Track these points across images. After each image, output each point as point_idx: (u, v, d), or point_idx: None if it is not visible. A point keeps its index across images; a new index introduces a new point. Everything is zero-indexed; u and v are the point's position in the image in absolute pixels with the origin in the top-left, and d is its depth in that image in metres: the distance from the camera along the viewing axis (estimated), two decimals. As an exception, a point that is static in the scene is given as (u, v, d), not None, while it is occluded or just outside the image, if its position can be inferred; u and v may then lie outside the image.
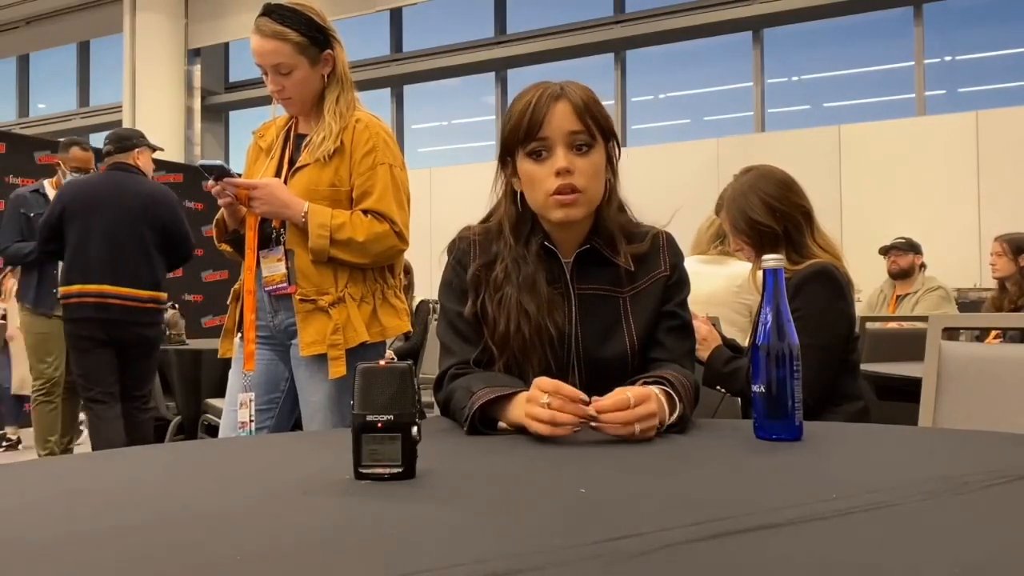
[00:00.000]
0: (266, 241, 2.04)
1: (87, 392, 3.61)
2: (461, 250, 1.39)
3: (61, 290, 3.60)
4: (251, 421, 2.01)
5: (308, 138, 2.05)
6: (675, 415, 1.17)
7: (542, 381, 1.14)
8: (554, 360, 1.31)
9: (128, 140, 3.76)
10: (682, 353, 1.36)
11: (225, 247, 2.14)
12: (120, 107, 10.47)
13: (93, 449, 3.56)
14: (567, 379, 1.32)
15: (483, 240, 1.38)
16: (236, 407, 2.05)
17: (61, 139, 4.57)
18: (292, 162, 2.06)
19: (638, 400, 1.10)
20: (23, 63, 12.71)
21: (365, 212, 2.01)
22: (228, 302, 2.14)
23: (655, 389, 1.17)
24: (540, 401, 1.12)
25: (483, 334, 1.34)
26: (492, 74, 9.65)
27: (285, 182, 2.03)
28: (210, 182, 1.98)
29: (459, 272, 1.38)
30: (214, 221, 2.11)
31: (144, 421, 3.79)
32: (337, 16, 9.36)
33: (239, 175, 2.05)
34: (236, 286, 2.13)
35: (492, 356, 1.33)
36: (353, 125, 2.03)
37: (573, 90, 1.30)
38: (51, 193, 4.30)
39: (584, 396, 1.11)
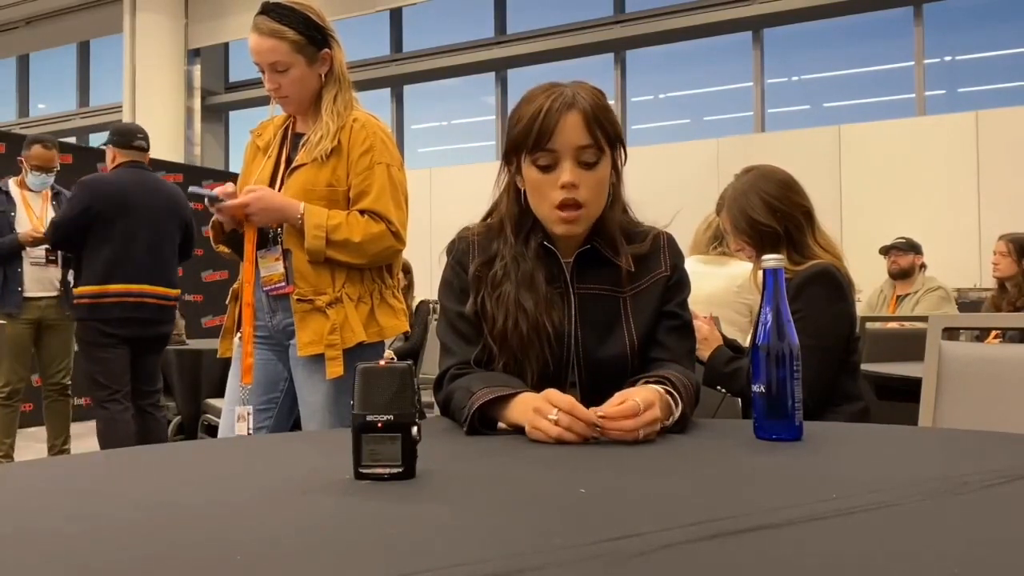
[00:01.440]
0: (263, 241, 2.04)
1: (102, 391, 3.61)
2: (460, 250, 1.39)
3: (95, 288, 3.60)
4: (249, 433, 2.01)
5: (305, 137, 2.05)
6: (675, 416, 1.18)
7: (553, 396, 1.13)
8: (553, 359, 1.31)
9: (148, 140, 3.84)
10: (683, 353, 1.36)
11: (223, 248, 2.14)
12: (120, 107, 10.47)
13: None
14: (566, 378, 1.32)
15: (482, 240, 1.38)
16: (235, 407, 2.06)
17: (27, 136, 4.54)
18: (289, 161, 2.06)
19: (645, 406, 1.10)
20: (23, 63, 12.70)
21: (362, 212, 2.00)
22: (227, 302, 2.14)
23: (659, 389, 1.17)
24: (548, 415, 1.11)
25: (483, 333, 1.34)
26: (492, 74, 9.65)
27: (282, 181, 2.03)
28: (205, 202, 2.00)
29: (459, 272, 1.38)
30: (211, 223, 2.11)
31: (160, 419, 3.87)
32: (337, 16, 9.35)
33: (234, 189, 2.03)
34: (235, 286, 2.13)
35: (492, 354, 1.33)
36: (351, 125, 2.02)
37: (584, 97, 1.28)
38: (14, 191, 4.26)
39: (595, 418, 1.10)
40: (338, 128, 2.01)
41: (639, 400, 1.10)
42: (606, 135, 1.29)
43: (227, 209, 1.97)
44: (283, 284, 2.02)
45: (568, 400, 1.11)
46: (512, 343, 1.30)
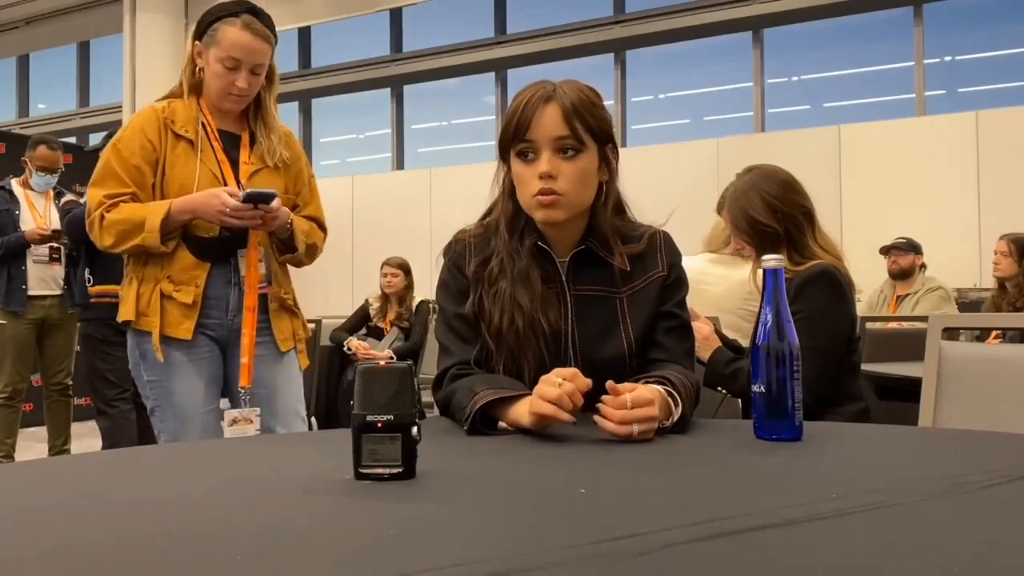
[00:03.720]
0: (241, 242, 2.05)
1: (112, 390, 3.61)
2: (457, 252, 1.40)
3: (113, 288, 3.59)
4: (258, 432, 2.05)
5: (258, 141, 2.09)
6: (675, 416, 1.18)
7: (560, 370, 1.15)
8: (549, 356, 1.32)
9: None
10: (682, 353, 1.37)
11: (164, 248, 1.96)
12: (120, 107, 10.46)
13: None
14: None
15: (479, 241, 1.40)
16: (204, 409, 2.05)
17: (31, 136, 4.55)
18: (234, 162, 2.07)
19: (636, 402, 1.10)
20: (23, 63, 12.69)
21: (306, 219, 2.17)
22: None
23: (659, 389, 1.17)
24: (553, 381, 1.12)
25: (481, 333, 1.34)
26: (492, 74, 9.65)
27: (237, 183, 2.05)
28: (236, 204, 1.93)
29: (455, 274, 1.39)
30: (159, 224, 1.92)
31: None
32: (337, 16, 9.35)
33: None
34: (166, 286, 2.00)
35: (490, 352, 1.34)
36: (287, 134, 2.17)
37: (566, 92, 1.30)
38: (18, 191, 4.27)
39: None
40: (283, 135, 2.14)
41: (629, 397, 1.10)
42: (588, 129, 1.30)
43: (269, 212, 2.02)
44: (265, 284, 2.10)
45: (574, 371, 1.13)
46: (509, 340, 1.31)
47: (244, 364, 2.04)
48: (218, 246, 2.03)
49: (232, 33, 1.99)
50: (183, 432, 2.03)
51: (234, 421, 2.02)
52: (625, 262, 1.35)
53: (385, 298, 5.25)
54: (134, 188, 1.98)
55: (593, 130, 1.31)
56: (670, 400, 1.17)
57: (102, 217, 1.96)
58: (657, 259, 1.38)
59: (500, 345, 1.32)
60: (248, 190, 1.97)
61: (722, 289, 2.82)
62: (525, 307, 1.31)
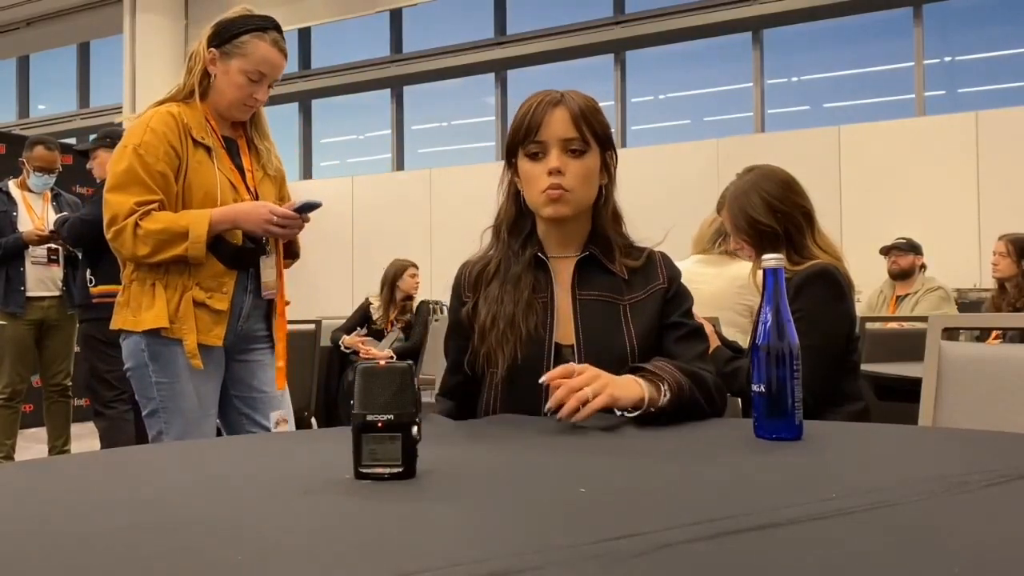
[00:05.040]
0: (260, 250, 2.08)
1: (111, 392, 3.61)
2: (457, 280, 1.49)
3: (117, 288, 3.59)
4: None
5: (256, 149, 2.13)
6: (664, 395, 1.21)
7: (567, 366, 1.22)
8: (522, 357, 1.36)
9: None
10: (694, 356, 1.40)
11: (201, 258, 1.95)
12: (120, 108, 10.45)
13: None
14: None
15: (480, 266, 1.47)
16: (208, 412, 2.06)
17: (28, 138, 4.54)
18: (241, 169, 2.09)
19: (568, 373, 1.18)
20: (23, 64, 12.69)
21: None
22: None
23: (631, 376, 1.23)
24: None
25: (461, 366, 1.44)
26: (492, 75, 9.65)
27: (248, 190, 2.08)
28: (285, 213, 2.00)
29: (455, 306, 1.49)
30: (205, 234, 1.93)
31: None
32: (337, 16, 9.35)
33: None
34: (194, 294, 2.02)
35: (475, 350, 1.41)
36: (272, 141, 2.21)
37: (573, 98, 1.39)
38: (15, 192, 4.26)
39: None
40: None
41: (560, 370, 1.18)
42: (593, 132, 1.39)
43: (308, 220, 2.08)
44: (275, 291, 2.12)
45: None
46: (491, 337, 1.38)
47: (280, 368, 2.13)
48: (245, 254, 2.06)
49: (263, 48, 2.02)
50: (188, 436, 2.03)
51: (282, 422, 2.11)
52: (623, 270, 1.42)
53: (389, 298, 5.26)
54: (161, 195, 1.94)
55: (597, 134, 1.40)
56: (642, 381, 1.21)
57: (136, 225, 1.90)
58: (657, 272, 1.45)
59: (483, 339, 1.40)
60: (305, 200, 2.04)
61: (715, 287, 2.83)
62: (507, 309, 1.38)
